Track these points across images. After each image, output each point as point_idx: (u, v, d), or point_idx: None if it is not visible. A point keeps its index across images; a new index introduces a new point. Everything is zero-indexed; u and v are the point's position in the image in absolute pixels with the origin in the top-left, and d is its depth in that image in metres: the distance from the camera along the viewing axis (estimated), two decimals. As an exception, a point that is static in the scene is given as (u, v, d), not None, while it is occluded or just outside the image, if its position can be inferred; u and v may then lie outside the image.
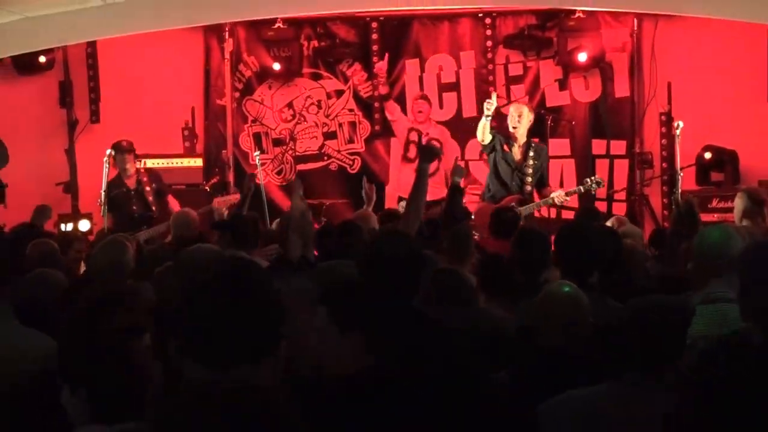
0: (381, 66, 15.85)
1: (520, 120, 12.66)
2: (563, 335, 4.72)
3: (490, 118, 12.33)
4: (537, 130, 15.22)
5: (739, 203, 9.39)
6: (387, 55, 15.86)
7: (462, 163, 13.51)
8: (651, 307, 4.27)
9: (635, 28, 15.57)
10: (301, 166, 15.82)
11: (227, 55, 15.96)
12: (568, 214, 13.94)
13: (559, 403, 4.25)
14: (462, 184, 9.64)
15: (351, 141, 16.12)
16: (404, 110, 16.00)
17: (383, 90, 15.95)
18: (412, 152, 15.81)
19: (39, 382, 4.69)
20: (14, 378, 4.96)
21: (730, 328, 4.77)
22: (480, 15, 15.73)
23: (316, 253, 7.94)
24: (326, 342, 3.83)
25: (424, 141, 15.25)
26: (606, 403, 4.16)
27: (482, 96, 15.57)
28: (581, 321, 4.82)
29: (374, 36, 15.89)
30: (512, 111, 12.90)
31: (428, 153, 7.88)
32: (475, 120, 14.40)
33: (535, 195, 12.63)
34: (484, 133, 12.43)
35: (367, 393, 3.67)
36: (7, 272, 5.78)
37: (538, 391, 4.48)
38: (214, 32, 15.84)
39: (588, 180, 12.63)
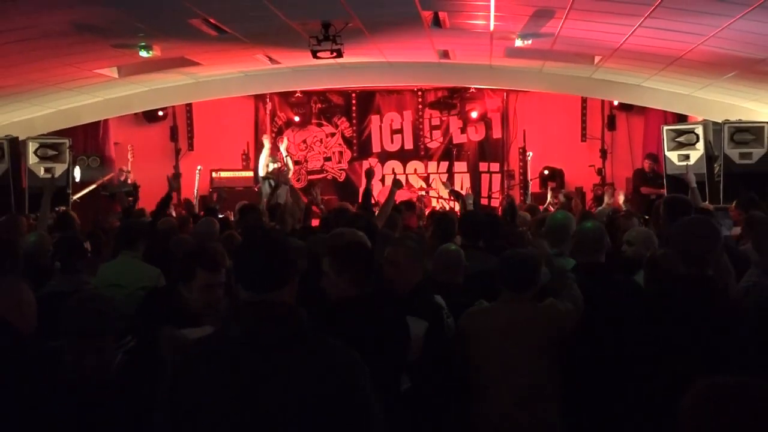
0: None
1: None
2: (447, 274, 4.67)
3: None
4: (448, 157, 15.38)
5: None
6: (370, 118, 15.79)
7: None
8: (517, 255, 4.23)
9: (505, 98, 15.51)
10: (310, 177, 15.67)
11: (268, 112, 15.78)
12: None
13: (472, 312, 4.18)
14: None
15: (340, 162, 15.99)
16: (370, 146, 15.85)
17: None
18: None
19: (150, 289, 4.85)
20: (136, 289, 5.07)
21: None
22: (415, 89, 15.65)
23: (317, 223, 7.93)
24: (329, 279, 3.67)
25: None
26: (496, 311, 4.11)
27: (416, 137, 15.73)
28: (458, 266, 4.75)
29: (353, 101, 15.79)
30: None
31: (397, 182, 7.93)
32: (411, 152, 14.95)
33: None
34: None
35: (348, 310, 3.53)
36: (140, 237, 5.59)
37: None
38: (260, 99, 15.65)
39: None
